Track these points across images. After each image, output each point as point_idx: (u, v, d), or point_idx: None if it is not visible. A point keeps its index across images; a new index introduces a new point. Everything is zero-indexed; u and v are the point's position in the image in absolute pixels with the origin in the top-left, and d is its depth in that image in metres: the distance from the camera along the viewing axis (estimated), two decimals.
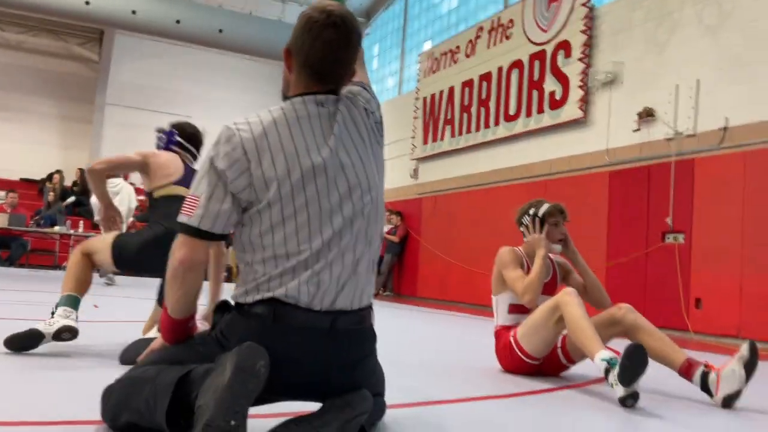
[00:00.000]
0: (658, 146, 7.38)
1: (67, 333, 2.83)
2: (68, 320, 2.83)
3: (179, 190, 3.17)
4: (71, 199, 13.74)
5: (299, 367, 1.60)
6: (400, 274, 12.22)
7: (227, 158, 1.61)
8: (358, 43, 1.75)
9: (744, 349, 2.66)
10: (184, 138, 3.44)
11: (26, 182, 15.03)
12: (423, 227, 11.64)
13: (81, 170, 14.94)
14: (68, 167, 15.14)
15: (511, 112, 9.79)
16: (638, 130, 7.60)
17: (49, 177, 14.57)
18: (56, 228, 12.40)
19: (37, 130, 15.83)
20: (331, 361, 1.63)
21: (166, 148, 3.41)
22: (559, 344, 3.17)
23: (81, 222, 12.74)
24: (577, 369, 3.44)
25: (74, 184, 14.64)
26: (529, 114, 9.42)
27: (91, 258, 3.07)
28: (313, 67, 1.71)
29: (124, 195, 8.66)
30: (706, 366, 2.76)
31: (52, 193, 13.91)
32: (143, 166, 3.24)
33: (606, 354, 2.64)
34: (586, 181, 8.23)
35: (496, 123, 10.11)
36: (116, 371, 1.76)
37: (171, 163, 3.28)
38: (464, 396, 2.54)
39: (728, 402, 2.66)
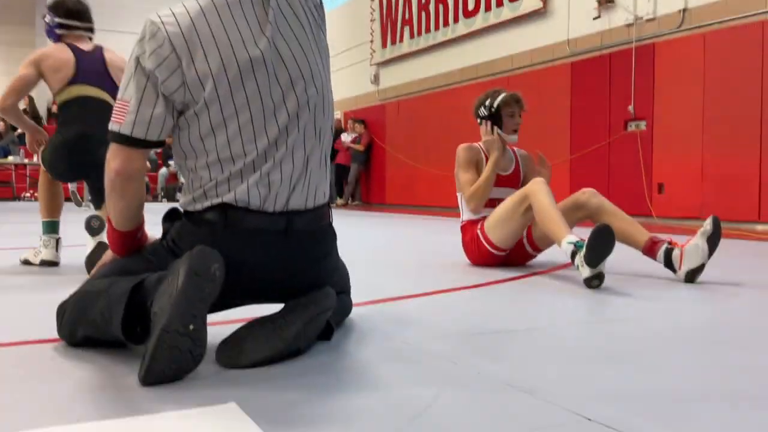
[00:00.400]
0: (618, 33, 7.27)
1: (49, 264, 3.23)
2: (49, 250, 3.25)
3: (75, 91, 3.19)
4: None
5: (257, 271, 1.54)
6: (368, 182, 12.18)
7: (155, 57, 1.46)
8: None
9: (707, 223, 2.69)
10: (64, 17, 3.33)
11: None
12: (388, 134, 11.51)
13: (30, 97, 14.36)
14: None
15: (470, 7, 9.52)
16: (598, 17, 7.46)
17: None
18: (10, 158, 12.02)
19: None
20: (290, 262, 1.58)
21: (54, 38, 3.35)
22: (524, 234, 3.18)
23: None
24: (543, 257, 3.48)
25: (24, 111, 14.08)
26: (488, 8, 9.16)
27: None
28: None
29: None
30: (670, 243, 2.80)
31: (2, 123, 13.40)
32: (40, 75, 3.21)
33: (572, 237, 2.65)
34: (548, 74, 8.13)
35: (456, 20, 9.83)
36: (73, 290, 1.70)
37: (60, 62, 3.20)
38: (431, 290, 2.55)
39: (691, 276, 2.72)
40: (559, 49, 8.02)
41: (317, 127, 1.62)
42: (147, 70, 1.47)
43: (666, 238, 2.88)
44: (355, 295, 1.99)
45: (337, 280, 1.78)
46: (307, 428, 1.07)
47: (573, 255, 2.60)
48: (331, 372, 1.42)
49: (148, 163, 1.65)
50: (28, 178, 12.20)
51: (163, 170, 13.67)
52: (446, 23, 10.04)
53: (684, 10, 6.60)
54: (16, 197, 11.97)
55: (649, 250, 2.84)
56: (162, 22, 1.49)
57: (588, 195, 3.03)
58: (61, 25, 3.32)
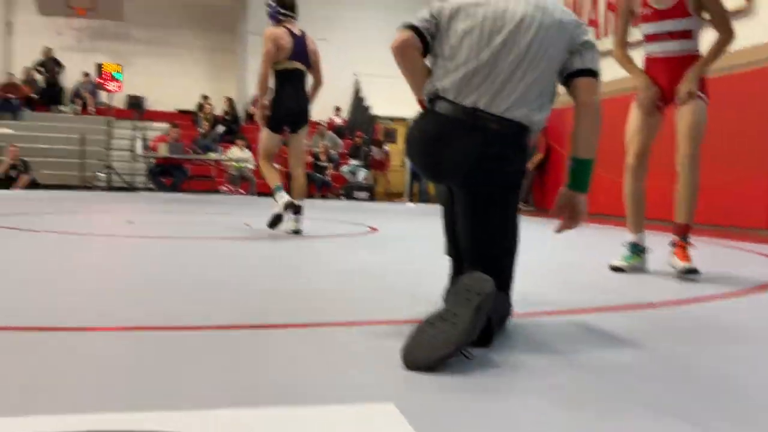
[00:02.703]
0: None
1: (291, 207, 4.60)
2: (285, 197, 4.59)
3: (293, 65, 4.75)
4: (222, 128, 14.56)
5: (447, 149, 1.86)
6: (542, 188, 11.87)
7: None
8: None
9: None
10: (281, 6, 4.83)
11: (181, 113, 16.04)
12: (567, 139, 11.12)
13: (230, 99, 15.71)
14: (217, 96, 15.94)
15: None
16: None
17: (200, 107, 15.45)
18: (211, 154, 13.23)
19: (187, 63, 16.76)
20: (471, 148, 1.84)
21: (275, 21, 4.82)
22: None
23: (232, 147, 13.47)
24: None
25: (225, 113, 15.44)
26: None
27: (265, 156, 4.90)
28: None
29: None
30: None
31: (205, 123, 14.78)
32: (276, 48, 4.68)
33: None
34: (753, 77, 7.40)
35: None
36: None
37: (284, 42, 4.70)
38: (603, 305, 2.42)
39: None
40: (764, 50, 7.27)
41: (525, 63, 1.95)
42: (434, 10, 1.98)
43: None
44: (522, 305, 1.94)
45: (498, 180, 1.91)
46: None
47: None
48: (493, 374, 1.39)
49: None
50: (225, 173, 13.33)
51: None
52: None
53: None
54: (215, 190, 13.14)
55: None
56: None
57: None
58: (279, 12, 4.81)
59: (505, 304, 1.85)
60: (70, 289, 2.38)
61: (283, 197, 4.57)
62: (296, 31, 4.78)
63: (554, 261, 4.04)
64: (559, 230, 2.02)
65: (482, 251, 1.89)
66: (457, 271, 2.02)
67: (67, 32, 15.75)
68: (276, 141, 4.87)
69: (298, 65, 4.77)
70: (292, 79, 4.76)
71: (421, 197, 14.15)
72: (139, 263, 3.16)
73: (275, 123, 4.78)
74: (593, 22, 10.41)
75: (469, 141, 1.84)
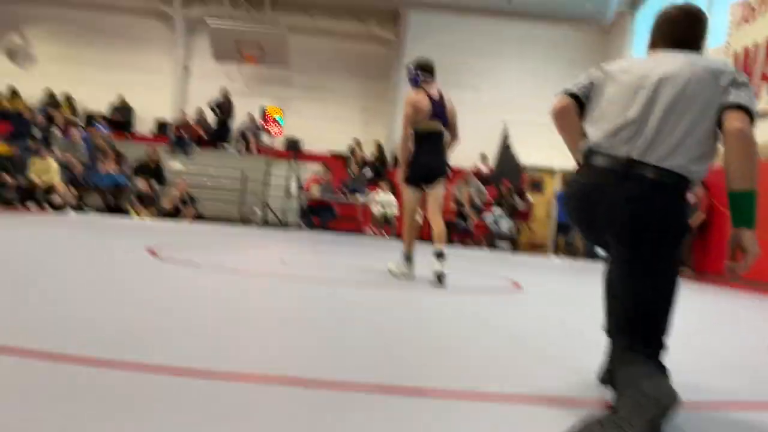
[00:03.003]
0: None
1: (438, 280, 4.72)
2: (405, 270, 5.07)
3: (432, 125, 5.00)
4: (369, 171, 15.03)
5: (603, 200, 1.88)
6: (704, 248, 11.08)
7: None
8: None
9: None
10: (422, 71, 5.11)
11: (334, 155, 16.75)
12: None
13: (379, 144, 16.21)
14: (368, 140, 16.51)
15: None
16: None
17: (352, 151, 16.05)
18: (358, 196, 13.66)
19: (341, 107, 17.52)
20: (626, 198, 1.84)
21: (415, 84, 5.11)
22: None
23: (378, 190, 13.83)
24: None
25: (374, 156, 15.94)
26: None
27: (409, 212, 5.20)
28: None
29: None
30: None
31: (355, 166, 15.32)
32: (415, 112, 4.97)
33: None
34: None
35: None
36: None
37: (422, 105, 4.97)
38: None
39: None
40: None
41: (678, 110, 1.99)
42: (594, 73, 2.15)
43: None
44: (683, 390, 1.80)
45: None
46: None
47: None
48: None
49: None
50: (372, 215, 13.70)
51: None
52: None
53: None
54: (359, 231, 13.52)
55: None
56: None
57: None
58: (419, 76, 5.11)
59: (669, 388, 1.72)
60: (232, 334, 2.51)
61: (404, 270, 5.06)
62: (434, 93, 5.06)
63: (714, 335, 3.72)
64: (728, 273, 1.89)
65: (639, 310, 1.81)
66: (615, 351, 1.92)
67: (236, 77, 17.06)
68: (417, 195, 5.12)
69: (437, 125, 5.04)
70: (430, 138, 5.04)
71: (567, 250, 13.71)
72: (293, 307, 3.29)
73: (414, 179, 5.06)
74: (766, 77, 9.73)
75: (623, 190, 1.85)
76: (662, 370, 1.72)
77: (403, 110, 5.01)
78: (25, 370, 1.70)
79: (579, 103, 2.08)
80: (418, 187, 5.09)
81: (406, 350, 2.45)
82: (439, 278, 4.70)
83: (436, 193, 5.11)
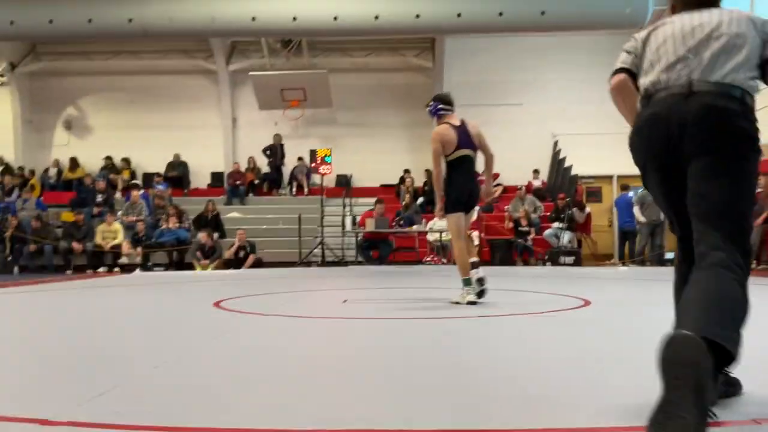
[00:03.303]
0: None
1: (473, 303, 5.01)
2: (472, 296, 5.11)
3: (461, 153, 5.20)
4: (422, 200, 15.05)
5: (672, 120, 1.96)
6: None
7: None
8: None
9: None
10: (442, 104, 5.35)
11: (384, 187, 16.84)
12: None
13: (428, 171, 16.23)
14: (416, 169, 16.54)
15: None
16: None
17: (402, 180, 16.11)
18: (414, 227, 13.64)
19: (387, 139, 17.65)
20: (692, 109, 1.92)
21: (436, 117, 5.35)
22: None
23: (434, 219, 13.79)
24: None
25: (424, 184, 15.94)
26: None
27: (457, 236, 5.26)
28: None
29: None
30: None
31: (407, 196, 15.35)
32: (442, 145, 5.19)
33: None
34: None
35: None
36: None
37: (449, 137, 5.18)
38: None
39: None
40: None
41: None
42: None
43: None
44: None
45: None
46: None
47: None
48: None
49: None
50: (428, 243, 13.64)
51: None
52: None
53: None
54: (419, 261, 13.46)
55: None
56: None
57: None
58: (440, 109, 5.35)
59: (743, 302, 1.77)
60: (308, 385, 2.50)
61: (469, 298, 5.07)
62: (456, 123, 5.28)
63: None
64: None
65: (721, 213, 1.89)
66: None
67: (282, 122, 17.40)
68: (462, 219, 5.30)
69: (466, 152, 5.24)
70: (462, 165, 5.24)
71: (632, 257, 13.33)
72: (362, 355, 3.27)
73: (451, 205, 5.25)
74: None
75: (693, 102, 1.93)
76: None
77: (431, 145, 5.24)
78: None
79: (632, 77, 2.19)
80: (462, 212, 5.27)
81: (501, 388, 2.39)
82: (480, 281, 5.18)
83: (471, 216, 5.50)
